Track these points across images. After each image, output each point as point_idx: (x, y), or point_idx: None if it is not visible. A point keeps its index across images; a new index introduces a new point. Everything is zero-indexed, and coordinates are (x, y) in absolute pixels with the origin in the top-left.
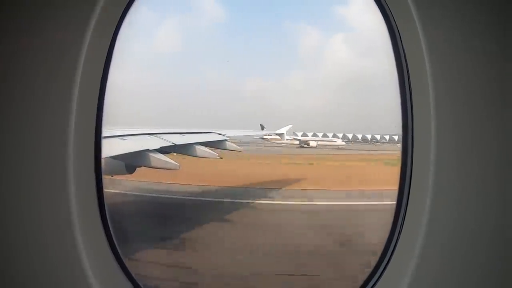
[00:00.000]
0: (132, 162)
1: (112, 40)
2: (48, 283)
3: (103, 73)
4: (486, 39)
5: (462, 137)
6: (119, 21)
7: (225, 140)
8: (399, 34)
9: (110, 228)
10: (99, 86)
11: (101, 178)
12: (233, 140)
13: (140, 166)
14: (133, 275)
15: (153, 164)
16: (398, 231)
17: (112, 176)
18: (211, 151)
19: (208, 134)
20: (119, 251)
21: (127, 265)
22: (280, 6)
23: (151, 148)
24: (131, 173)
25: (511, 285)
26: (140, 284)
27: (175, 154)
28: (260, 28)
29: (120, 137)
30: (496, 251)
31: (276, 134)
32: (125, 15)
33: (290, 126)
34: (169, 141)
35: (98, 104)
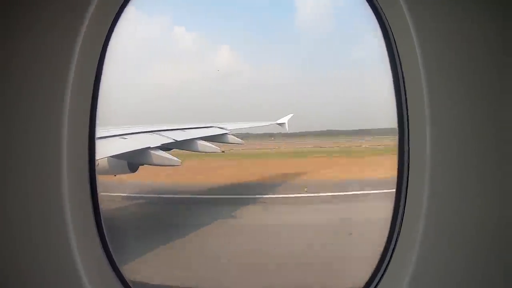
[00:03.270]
0: (134, 160)
1: (106, 39)
2: (41, 285)
3: (96, 72)
4: (481, 34)
5: (458, 135)
6: (113, 19)
7: (226, 133)
8: (392, 33)
9: (104, 230)
10: (93, 85)
11: (95, 179)
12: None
13: (143, 164)
14: (126, 277)
15: (155, 161)
16: (396, 233)
17: (115, 175)
18: (212, 145)
19: (209, 128)
20: (112, 253)
21: (119, 267)
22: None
23: (152, 146)
24: (134, 172)
25: (511, 284)
26: (132, 287)
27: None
28: None
29: (121, 136)
30: (496, 250)
31: (277, 124)
32: (120, 13)
33: (291, 115)
34: (170, 138)
35: (91, 104)
